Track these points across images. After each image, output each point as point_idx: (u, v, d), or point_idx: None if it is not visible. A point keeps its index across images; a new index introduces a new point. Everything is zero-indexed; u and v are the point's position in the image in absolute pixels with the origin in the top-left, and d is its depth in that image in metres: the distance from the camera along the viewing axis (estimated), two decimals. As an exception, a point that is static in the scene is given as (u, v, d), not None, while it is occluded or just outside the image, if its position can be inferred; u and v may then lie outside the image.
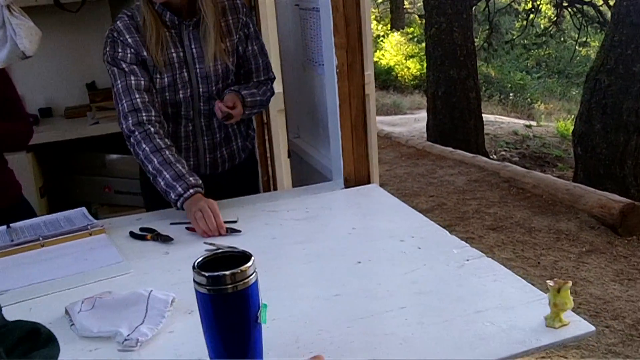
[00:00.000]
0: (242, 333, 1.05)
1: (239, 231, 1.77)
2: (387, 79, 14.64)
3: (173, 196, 1.85)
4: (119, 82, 1.98)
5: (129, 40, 1.99)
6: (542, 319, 1.25)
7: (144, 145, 1.92)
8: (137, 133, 1.94)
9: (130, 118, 1.95)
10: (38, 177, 3.52)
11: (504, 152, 9.20)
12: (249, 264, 1.04)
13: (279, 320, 1.32)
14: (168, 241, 1.74)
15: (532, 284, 1.40)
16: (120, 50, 1.98)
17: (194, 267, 1.04)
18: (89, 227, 1.85)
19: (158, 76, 2.02)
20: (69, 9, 3.54)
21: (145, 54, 1.99)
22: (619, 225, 4.34)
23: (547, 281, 1.23)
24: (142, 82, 1.98)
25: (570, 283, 1.22)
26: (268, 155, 3.00)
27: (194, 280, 1.04)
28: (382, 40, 16.52)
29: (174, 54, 2.02)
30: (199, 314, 1.07)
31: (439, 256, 1.55)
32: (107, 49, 2.01)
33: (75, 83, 3.91)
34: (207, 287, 1.02)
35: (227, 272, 1.01)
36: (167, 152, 1.91)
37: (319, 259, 1.60)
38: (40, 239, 1.78)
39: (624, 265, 3.89)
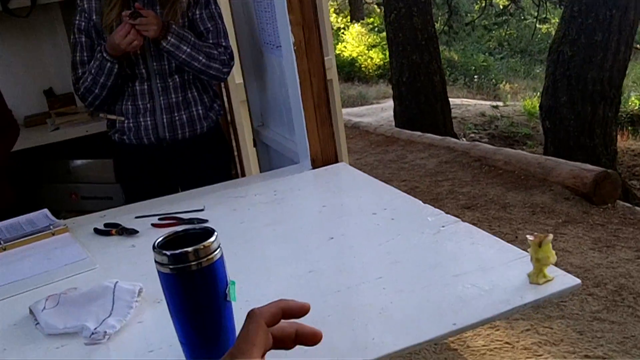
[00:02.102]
0: (211, 312, 0.99)
1: (205, 220, 1.71)
2: (350, 70, 14.62)
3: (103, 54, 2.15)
4: (77, 51, 2.27)
5: (85, 6, 2.22)
6: (524, 276, 1.21)
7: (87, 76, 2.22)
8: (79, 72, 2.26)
9: (79, 69, 2.27)
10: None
11: (473, 134, 9.22)
12: (212, 239, 0.98)
13: (251, 301, 1.26)
14: (133, 234, 1.68)
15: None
16: (77, 17, 2.24)
17: (154, 247, 0.98)
18: (51, 227, 1.78)
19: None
20: (19, 14, 3.44)
21: (95, 17, 2.20)
22: (593, 194, 4.35)
23: (527, 236, 1.20)
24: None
25: (551, 236, 1.18)
26: (234, 146, 2.94)
27: (156, 261, 0.98)
28: (343, 33, 16.50)
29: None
30: (164, 297, 1.01)
31: (413, 225, 1.51)
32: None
33: (32, 90, 3.80)
34: (170, 267, 0.96)
35: (189, 249, 0.96)
36: None
37: (289, 239, 1.55)
38: (2, 242, 1.71)
39: (602, 233, 3.89)
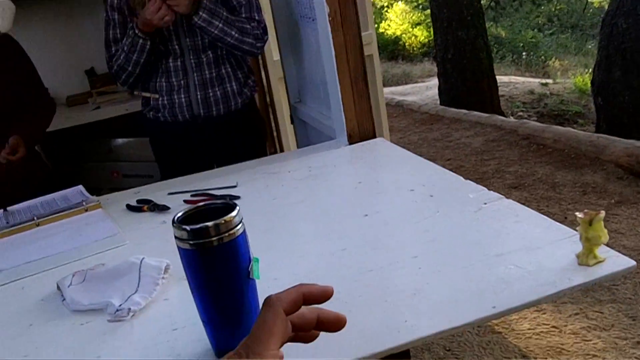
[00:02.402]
0: (233, 290, 0.94)
1: (237, 197, 1.66)
2: (394, 49, 14.40)
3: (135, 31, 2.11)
4: (109, 29, 2.24)
5: None
6: (573, 257, 1.12)
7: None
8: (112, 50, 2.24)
9: (112, 46, 2.24)
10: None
11: (521, 113, 8.98)
12: (234, 213, 0.92)
13: (280, 279, 1.21)
14: (165, 210, 1.64)
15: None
16: None
17: (173, 222, 0.94)
18: (84, 203, 1.76)
19: None
20: (60, -5, 3.45)
21: None
22: (649, 173, 4.17)
23: (577, 213, 1.11)
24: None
25: (603, 213, 1.09)
26: (272, 124, 2.90)
27: (175, 236, 0.93)
28: (386, 11, 16.25)
29: None
30: (184, 274, 0.96)
31: (453, 202, 1.43)
32: None
33: (74, 70, 3.83)
34: (190, 242, 0.91)
35: (209, 224, 0.90)
36: None
37: (322, 216, 1.49)
38: (35, 218, 1.70)
39: (657, 213, 3.73)
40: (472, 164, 5.02)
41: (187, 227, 0.91)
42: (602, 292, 2.70)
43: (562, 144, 5.02)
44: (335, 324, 0.63)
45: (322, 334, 0.67)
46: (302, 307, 0.62)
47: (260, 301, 1.01)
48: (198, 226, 0.91)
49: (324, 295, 0.62)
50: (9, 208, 1.81)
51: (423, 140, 5.97)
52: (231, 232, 0.92)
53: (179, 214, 0.95)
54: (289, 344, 0.63)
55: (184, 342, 1.06)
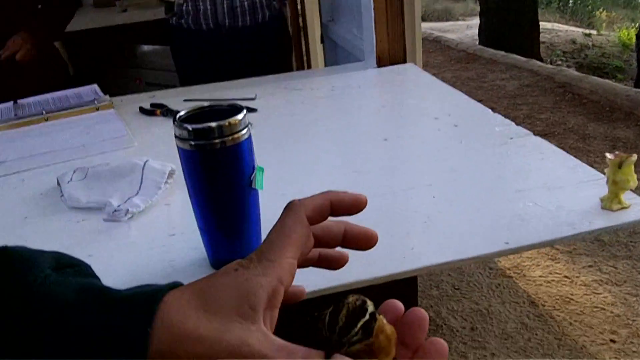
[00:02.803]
0: (233, 198, 0.89)
1: (254, 109, 1.60)
2: (438, -17, 13.97)
3: None
4: None
5: None
6: (596, 200, 1.05)
7: None
8: None
9: None
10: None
11: (560, 62, 8.71)
12: (239, 116, 0.86)
13: (287, 195, 1.15)
14: (178, 116, 1.59)
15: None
16: None
17: (174, 120, 0.88)
18: (96, 101, 1.71)
19: None
20: None
21: None
22: (683, 132, 4.03)
23: (607, 154, 1.03)
24: None
25: (635, 157, 1.01)
26: (302, 42, 2.80)
27: (175, 136, 0.87)
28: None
29: None
30: (183, 178, 0.91)
31: (477, 134, 1.36)
32: None
33: (103, -29, 3.73)
34: (191, 142, 0.85)
35: (212, 124, 0.84)
36: None
37: (340, 136, 1.43)
38: (44, 113, 1.65)
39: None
40: (504, 107, 4.89)
41: (189, 127, 0.85)
42: (619, 247, 2.63)
43: (598, 95, 4.86)
44: (365, 241, 0.54)
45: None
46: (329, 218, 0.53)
47: (263, 214, 0.96)
48: (200, 126, 0.85)
49: (357, 204, 0.52)
50: (19, 101, 1.76)
51: (457, 78, 5.82)
52: (235, 135, 0.86)
53: (182, 113, 0.89)
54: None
55: (180, 249, 1.02)
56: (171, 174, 1.21)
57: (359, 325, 0.41)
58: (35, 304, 0.41)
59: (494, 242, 0.96)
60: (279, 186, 1.18)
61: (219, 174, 0.87)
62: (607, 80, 5.60)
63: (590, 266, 2.53)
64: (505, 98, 5.13)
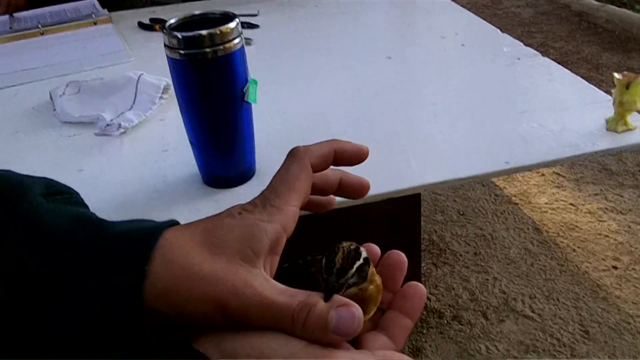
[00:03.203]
0: (225, 111, 0.86)
1: (256, 25, 1.55)
2: None
3: None
4: None
5: None
6: (602, 122, 1.02)
7: None
8: None
9: None
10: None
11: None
12: (232, 24, 0.82)
13: (286, 112, 1.13)
14: (177, 31, 1.54)
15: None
16: None
17: (164, 28, 0.84)
18: (93, 15, 1.66)
19: None
20: None
21: None
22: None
23: (614, 74, 0.99)
24: None
25: (643, 77, 0.97)
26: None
27: (165, 45, 0.84)
28: None
29: None
30: (174, 89, 0.88)
31: (485, 54, 1.31)
32: None
33: None
34: (181, 51, 0.82)
35: (203, 32, 0.81)
36: None
37: (343, 53, 1.38)
38: (40, 27, 1.61)
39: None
40: (518, 35, 4.77)
41: (179, 35, 0.81)
42: (626, 176, 2.60)
43: (614, 25, 4.73)
44: (358, 190, 0.53)
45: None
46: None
47: (259, 132, 0.94)
48: (191, 34, 0.81)
49: (359, 155, 0.51)
50: (15, 14, 1.71)
51: (471, 5, 5.65)
52: (227, 45, 0.82)
53: (172, 21, 0.85)
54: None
55: (173, 164, 1.00)
56: (166, 88, 1.18)
57: (355, 267, 0.41)
58: (28, 232, 0.40)
59: (494, 162, 0.93)
60: (278, 103, 1.15)
61: (210, 85, 0.84)
62: (624, 10, 5.42)
63: (596, 194, 2.50)
64: (519, 26, 5.00)
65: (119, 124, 1.07)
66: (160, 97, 1.16)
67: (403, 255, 0.47)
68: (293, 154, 0.47)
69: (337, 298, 0.39)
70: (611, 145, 0.96)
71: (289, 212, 0.43)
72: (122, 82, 1.18)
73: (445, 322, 1.99)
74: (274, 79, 1.24)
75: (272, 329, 0.39)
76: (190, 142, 0.91)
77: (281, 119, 1.11)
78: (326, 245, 0.44)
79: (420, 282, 1.89)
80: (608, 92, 1.08)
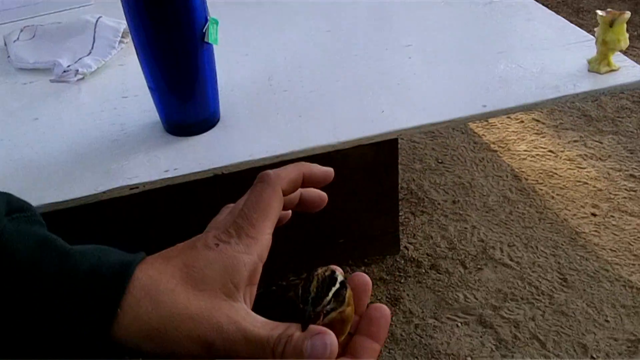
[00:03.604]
0: (184, 52, 0.80)
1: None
2: None
3: None
4: None
5: None
6: (584, 62, 0.98)
7: None
8: None
9: None
10: None
11: None
12: (188, -44, 0.76)
13: (253, 56, 1.08)
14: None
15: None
16: None
17: (116, -39, 0.78)
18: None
19: None
20: None
21: None
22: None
23: (598, 11, 0.94)
24: None
25: (628, 14, 0.93)
26: None
27: (117, -18, 0.78)
28: None
29: None
30: (129, 32, 0.82)
31: (461, -7, 1.25)
32: None
33: None
34: (133, -12, 0.76)
35: (156, -35, 0.75)
36: None
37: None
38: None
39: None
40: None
41: (130, -31, 0.75)
42: (606, 122, 2.58)
43: (597, -34, 4.65)
44: (317, 204, 0.52)
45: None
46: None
47: (223, 77, 0.88)
48: (143, -32, 0.75)
49: (326, 178, 0.50)
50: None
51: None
52: (183, -20, 0.76)
53: (125, -46, 0.79)
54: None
55: (132, 111, 0.94)
56: (127, 32, 1.12)
57: (330, 294, 0.42)
58: None
59: (471, 105, 0.89)
60: (242, 45, 1.10)
61: (166, 24, 0.78)
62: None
63: (575, 141, 2.48)
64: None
65: (77, 70, 1.02)
66: (120, 42, 1.10)
67: (367, 277, 0.48)
68: (264, 180, 0.46)
69: (312, 328, 0.40)
70: (593, 87, 0.92)
71: (264, 241, 0.44)
72: (80, 26, 1.12)
73: (423, 271, 1.98)
74: (238, 19, 1.18)
75: None
76: (149, 88, 0.86)
77: (247, 62, 1.05)
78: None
79: (398, 231, 1.85)
80: (590, 33, 1.04)
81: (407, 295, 1.91)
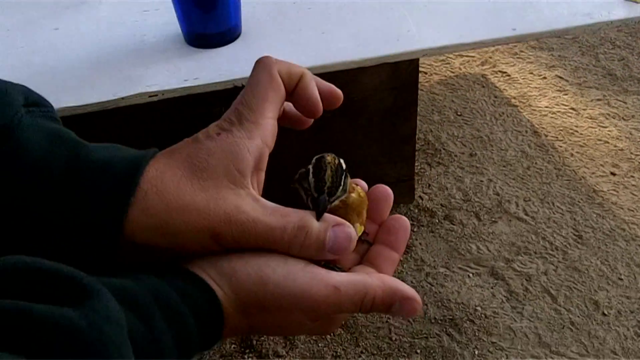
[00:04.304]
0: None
1: None
2: None
3: None
4: None
5: None
6: (619, -8, 0.95)
7: None
8: None
9: None
10: None
11: None
12: None
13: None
14: None
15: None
16: None
17: None
18: None
19: None
20: None
21: None
22: None
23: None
24: None
25: (667, -60, 0.89)
26: None
27: None
28: None
29: None
30: None
31: None
32: None
33: None
34: None
35: None
36: None
37: None
38: None
39: None
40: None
41: None
42: (631, 82, 2.53)
43: None
44: (332, 97, 0.48)
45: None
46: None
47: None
48: None
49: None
50: None
51: None
52: None
53: None
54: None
55: (153, 24, 0.93)
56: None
57: (342, 182, 0.42)
58: (11, 147, 0.38)
59: (501, 28, 0.86)
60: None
61: None
62: None
63: (599, 99, 2.44)
64: None
65: (96, -18, 1.00)
66: (142, -42, 1.07)
67: (389, 189, 0.48)
68: (260, 63, 0.44)
69: (330, 218, 0.40)
70: (628, 15, 0.89)
71: (267, 125, 0.42)
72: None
73: (437, 221, 1.96)
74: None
75: (267, 250, 0.40)
76: (172, 0, 0.84)
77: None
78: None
79: (413, 180, 1.83)
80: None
81: (420, 244, 1.90)
